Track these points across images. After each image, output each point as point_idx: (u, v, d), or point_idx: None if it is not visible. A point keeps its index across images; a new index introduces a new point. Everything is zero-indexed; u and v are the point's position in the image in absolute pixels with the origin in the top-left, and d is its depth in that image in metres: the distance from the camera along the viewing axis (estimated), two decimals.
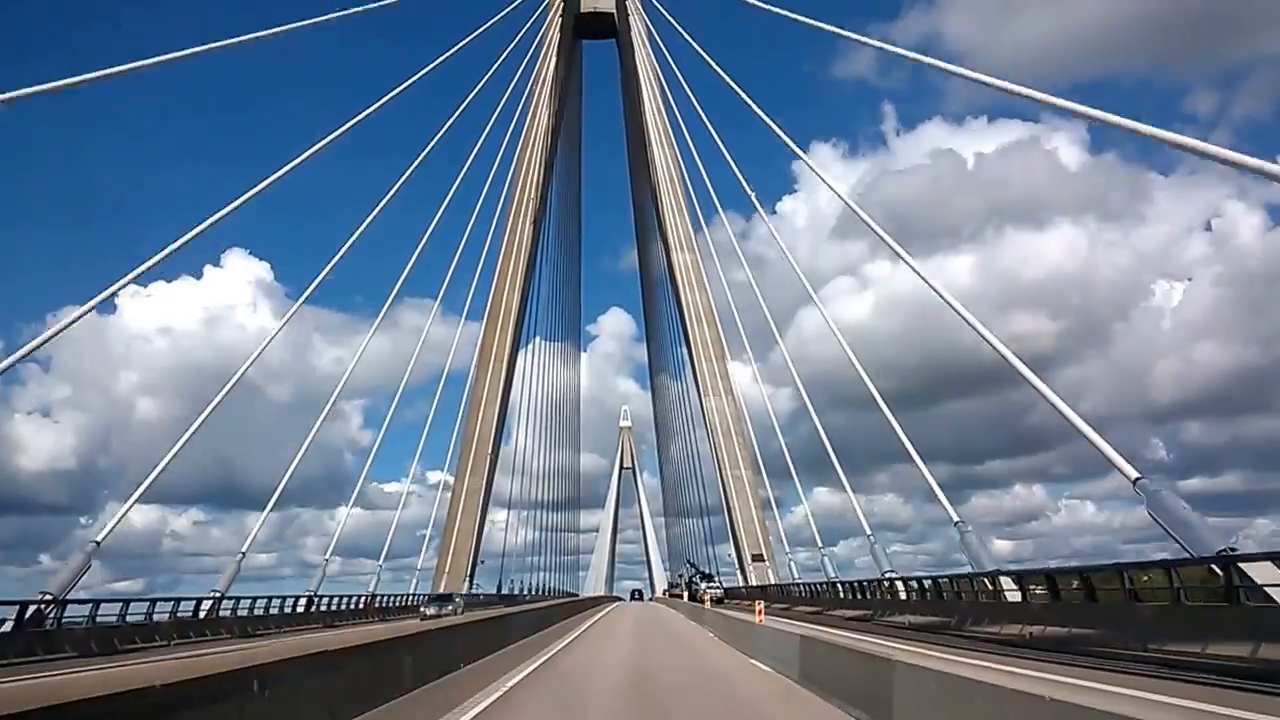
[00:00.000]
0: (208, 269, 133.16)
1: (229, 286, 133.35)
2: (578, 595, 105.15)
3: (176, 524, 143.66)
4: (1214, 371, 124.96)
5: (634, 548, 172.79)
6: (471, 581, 76.59)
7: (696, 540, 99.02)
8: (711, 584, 71.88)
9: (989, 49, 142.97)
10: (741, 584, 71.15)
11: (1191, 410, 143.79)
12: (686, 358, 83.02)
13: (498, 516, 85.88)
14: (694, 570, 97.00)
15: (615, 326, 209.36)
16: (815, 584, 50.49)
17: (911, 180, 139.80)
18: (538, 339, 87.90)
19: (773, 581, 59.84)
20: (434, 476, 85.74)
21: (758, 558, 74.83)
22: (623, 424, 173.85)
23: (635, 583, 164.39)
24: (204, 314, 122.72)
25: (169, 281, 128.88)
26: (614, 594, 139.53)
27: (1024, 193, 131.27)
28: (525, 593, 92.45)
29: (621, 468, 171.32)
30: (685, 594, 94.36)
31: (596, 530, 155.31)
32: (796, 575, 60.57)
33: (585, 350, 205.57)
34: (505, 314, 78.09)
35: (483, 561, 78.24)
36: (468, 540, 74.63)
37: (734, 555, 78.36)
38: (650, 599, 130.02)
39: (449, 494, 74.37)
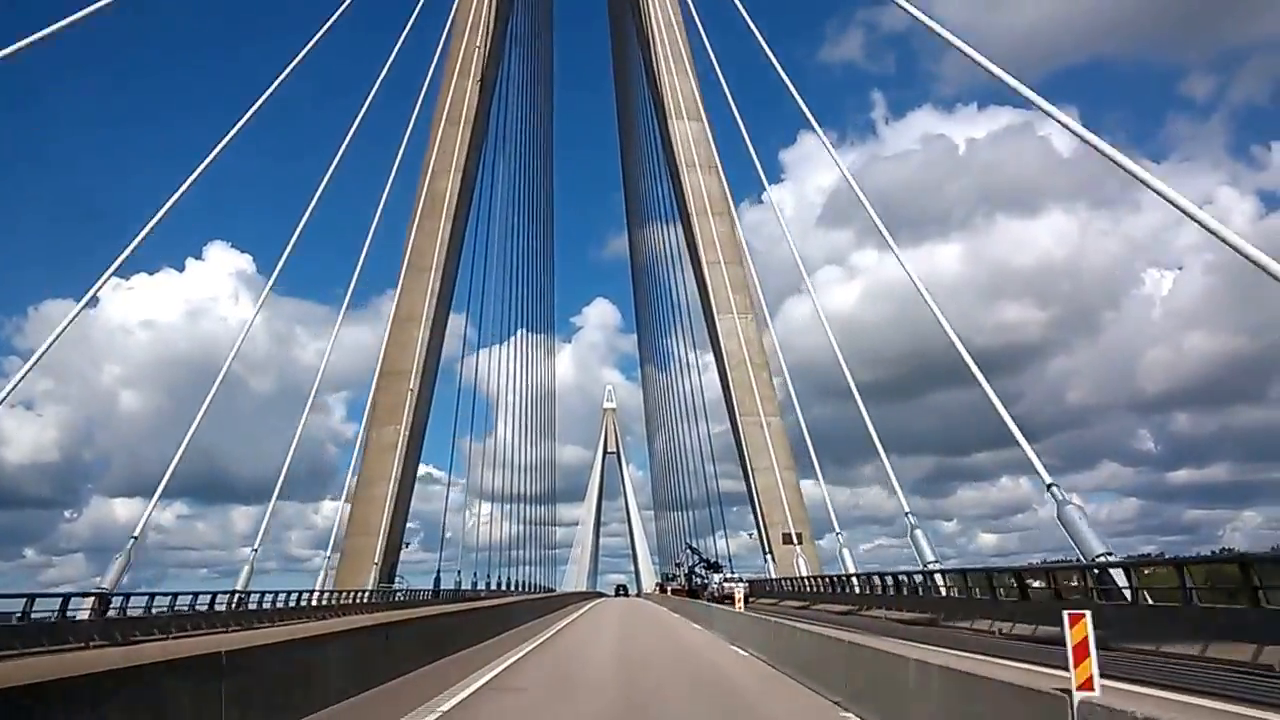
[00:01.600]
0: (189, 261, 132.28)
1: (211, 279, 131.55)
2: (555, 591, 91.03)
3: (160, 517, 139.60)
4: (1203, 361, 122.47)
5: (619, 540, 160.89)
6: (390, 574, 54.68)
7: (694, 531, 78.53)
8: (729, 577, 49.67)
9: (982, 33, 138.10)
10: (774, 574, 49.47)
11: (1180, 400, 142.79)
12: (690, 267, 61.07)
13: (451, 502, 64.38)
14: (697, 558, 75.23)
15: (600, 318, 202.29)
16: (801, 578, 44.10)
17: (901, 166, 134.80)
18: (519, 330, 75.97)
19: (851, 569, 37.29)
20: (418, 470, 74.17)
21: (792, 538, 53.18)
22: (606, 405, 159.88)
23: (620, 576, 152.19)
24: (186, 306, 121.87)
25: (150, 274, 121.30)
26: (597, 589, 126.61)
27: (1015, 179, 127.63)
28: (482, 589, 71.11)
29: (605, 452, 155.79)
30: (686, 588, 72.92)
31: (578, 524, 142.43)
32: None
33: (570, 341, 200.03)
34: (436, 201, 56.02)
35: (407, 543, 56.54)
36: (380, 516, 52.60)
37: (758, 536, 56.69)
38: (636, 595, 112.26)
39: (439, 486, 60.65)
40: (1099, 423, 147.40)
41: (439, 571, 61.43)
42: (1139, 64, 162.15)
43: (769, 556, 50.42)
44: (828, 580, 36.99)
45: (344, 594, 44.44)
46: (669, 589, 72.21)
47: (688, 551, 75.04)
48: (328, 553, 43.63)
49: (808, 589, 39.24)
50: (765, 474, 53.50)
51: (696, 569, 74.73)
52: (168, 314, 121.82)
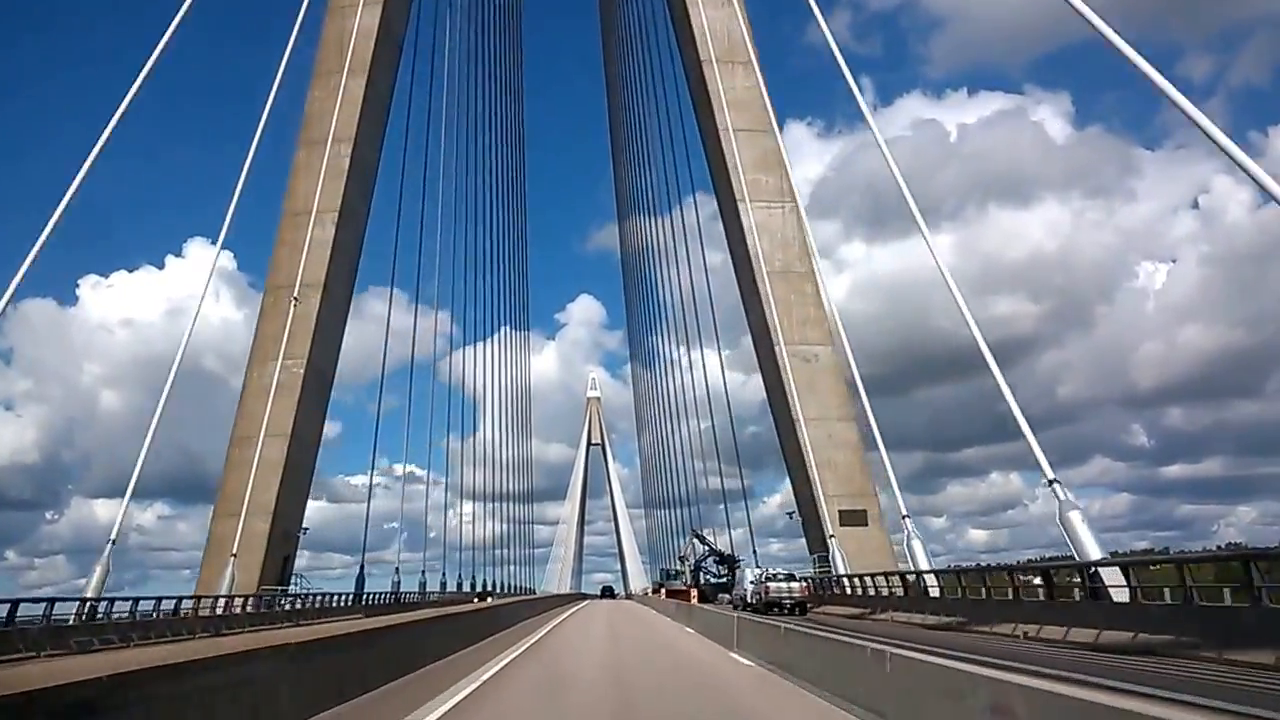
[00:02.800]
0: (169, 259, 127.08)
1: (191, 276, 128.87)
2: (535, 593, 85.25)
3: (142, 518, 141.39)
4: (1198, 355, 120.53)
5: (604, 539, 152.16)
6: (282, 572, 38.44)
7: (687, 527, 65.54)
8: (774, 574, 32.80)
9: (969, 13, 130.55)
10: (842, 568, 33.21)
11: (1174, 395, 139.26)
12: (698, 136, 44.87)
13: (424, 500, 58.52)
14: (706, 550, 58.86)
15: (585, 314, 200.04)
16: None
17: (891, 153, 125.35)
18: (494, 321, 72.99)
19: (1094, 554, 20.02)
20: (399, 469, 79.51)
21: (852, 517, 37.27)
22: (590, 394, 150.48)
23: (606, 576, 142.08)
24: (166, 304, 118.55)
25: (130, 271, 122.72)
26: (581, 590, 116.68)
27: (1007, 166, 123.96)
28: (434, 592, 55.86)
29: (590, 444, 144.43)
30: (693, 588, 56.78)
31: (560, 523, 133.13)
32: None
33: (554, 339, 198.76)
34: (339, 46, 39.72)
35: (305, 529, 40.13)
36: (261, 492, 36.35)
37: (802, 515, 40.77)
38: (625, 596, 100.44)
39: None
40: (1091, 417, 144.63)
41: (361, 572, 45.24)
42: (1134, 43, 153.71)
43: (831, 541, 34.12)
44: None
45: (193, 602, 28.15)
46: (691, 592, 55.35)
47: (693, 542, 58.92)
48: (112, 536, 26.82)
49: (924, 591, 23.10)
50: (817, 426, 37.51)
51: (705, 564, 58.69)
52: (148, 312, 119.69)
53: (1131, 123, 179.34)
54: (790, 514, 40.45)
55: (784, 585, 30.01)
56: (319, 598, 40.11)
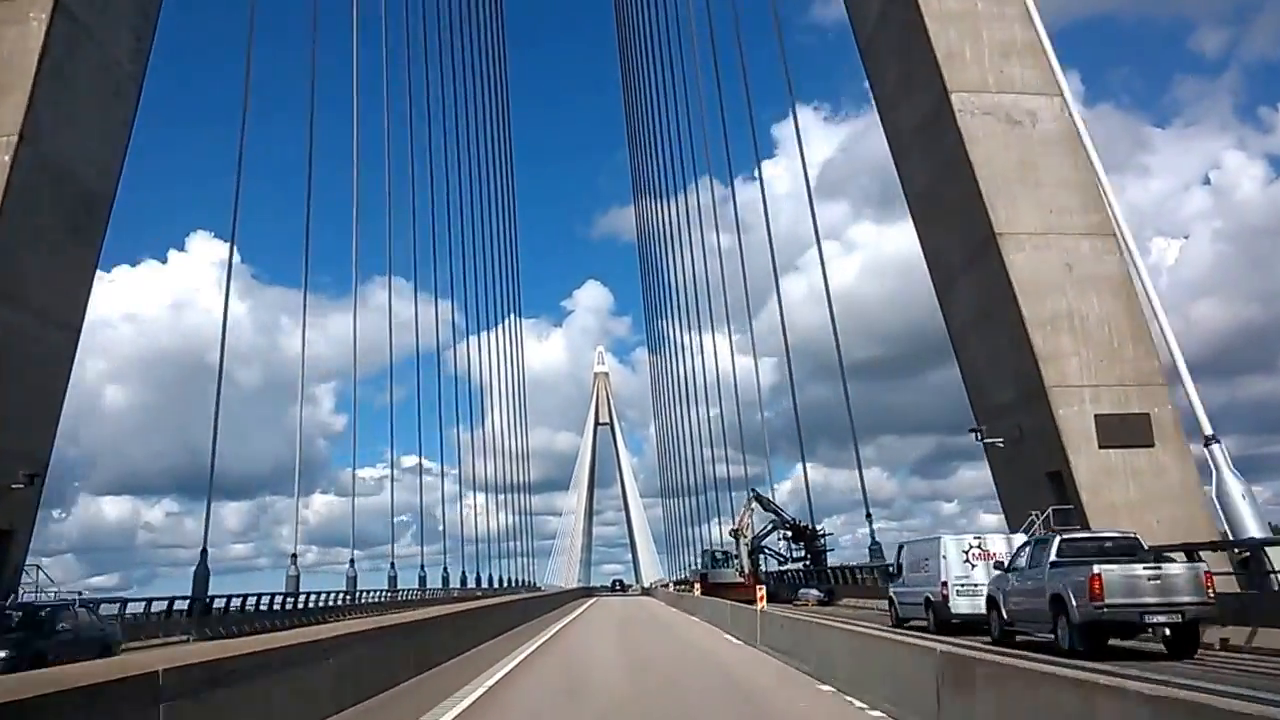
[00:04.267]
0: (172, 253, 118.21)
1: (194, 270, 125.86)
2: (539, 589, 79.47)
3: (149, 515, 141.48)
4: (1211, 331, 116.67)
5: (614, 530, 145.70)
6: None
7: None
8: (1106, 546, 13.24)
9: None
10: (1251, 525, 14.04)
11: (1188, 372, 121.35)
12: None
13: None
14: (770, 521, 39.86)
15: (592, 301, 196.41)
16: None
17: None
18: (492, 307, 66.14)
19: None
20: (408, 461, 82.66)
21: (1119, 430, 17.99)
22: (598, 368, 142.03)
23: (616, 567, 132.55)
24: (170, 298, 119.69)
25: (133, 266, 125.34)
26: (589, 584, 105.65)
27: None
28: (361, 591, 38.81)
29: (597, 423, 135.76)
30: (752, 580, 37.71)
31: (562, 514, 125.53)
32: None
33: (560, 326, 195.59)
34: None
35: (34, 476, 21.08)
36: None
37: (988, 439, 21.69)
38: (641, 592, 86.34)
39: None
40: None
41: (203, 559, 26.18)
42: (1145, 18, 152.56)
43: (1215, 446, 14.80)
44: None
45: None
46: (757, 590, 36.66)
47: (751, 500, 39.58)
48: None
49: None
50: (1041, 247, 18.37)
51: (767, 542, 39.68)
52: (151, 307, 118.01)
53: (1142, 100, 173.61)
54: (974, 432, 21.34)
55: (1144, 576, 10.59)
56: (93, 610, 21.27)
